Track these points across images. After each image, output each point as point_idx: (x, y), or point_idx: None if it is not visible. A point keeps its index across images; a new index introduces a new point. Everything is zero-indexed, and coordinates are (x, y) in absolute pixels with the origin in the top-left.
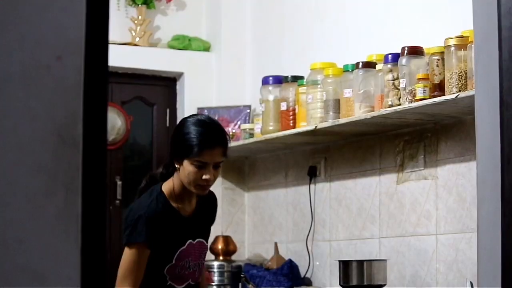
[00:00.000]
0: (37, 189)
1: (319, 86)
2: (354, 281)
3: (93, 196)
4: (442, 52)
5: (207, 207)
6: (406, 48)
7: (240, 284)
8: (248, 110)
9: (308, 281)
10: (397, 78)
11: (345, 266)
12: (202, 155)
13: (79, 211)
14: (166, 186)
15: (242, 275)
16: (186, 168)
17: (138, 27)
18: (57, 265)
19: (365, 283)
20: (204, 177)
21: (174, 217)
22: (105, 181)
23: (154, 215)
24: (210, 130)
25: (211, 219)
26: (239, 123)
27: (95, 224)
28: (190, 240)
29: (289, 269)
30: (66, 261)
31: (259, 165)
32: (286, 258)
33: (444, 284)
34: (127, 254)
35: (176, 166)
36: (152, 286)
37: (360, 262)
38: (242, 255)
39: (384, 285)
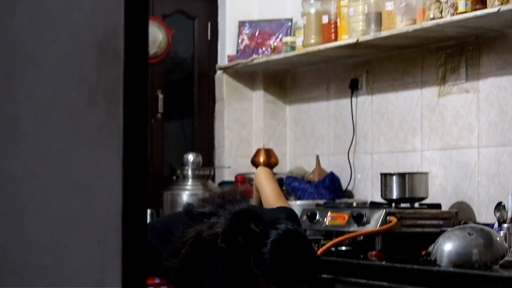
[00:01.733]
0: (79, 101)
1: None
2: (396, 194)
3: (134, 108)
4: None
5: None
6: None
7: None
8: (290, 23)
9: (349, 194)
10: None
11: (386, 179)
12: None
13: (120, 122)
14: None
15: (283, 188)
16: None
17: None
18: (98, 176)
19: (406, 196)
20: None
21: None
22: (147, 93)
23: None
24: (308, 265)
25: None
26: (280, 36)
27: (136, 136)
28: None
29: (331, 181)
30: (108, 172)
31: (301, 78)
32: (328, 171)
33: (486, 197)
34: None
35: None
36: None
37: (402, 175)
38: (284, 168)
39: (426, 197)
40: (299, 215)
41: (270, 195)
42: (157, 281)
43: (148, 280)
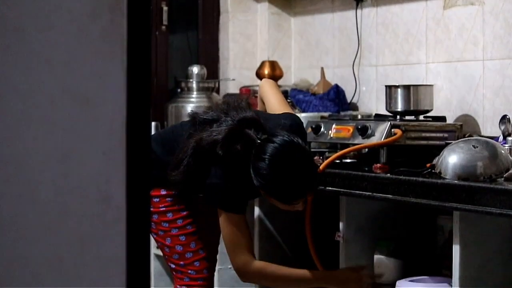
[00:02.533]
0: (82, 11)
1: None
2: (400, 107)
3: (138, 18)
4: None
5: None
6: None
7: None
8: None
9: (354, 106)
10: None
11: (391, 91)
12: (293, 203)
13: (124, 33)
14: None
15: (288, 100)
16: (274, 201)
17: None
18: (102, 88)
19: (411, 108)
20: (295, 209)
21: None
22: (150, 3)
23: None
24: (306, 178)
25: None
26: None
27: (140, 47)
28: None
29: (336, 94)
30: (112, 83)
31: None
32: (333, 83)
33: (491, 110)
34: (228, 222)
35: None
36: None
37: (407, 87)
38: (289, 80)
39: (430, 110)
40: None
41: (275, 103)
42: (163, 192)
43: (153, 192)
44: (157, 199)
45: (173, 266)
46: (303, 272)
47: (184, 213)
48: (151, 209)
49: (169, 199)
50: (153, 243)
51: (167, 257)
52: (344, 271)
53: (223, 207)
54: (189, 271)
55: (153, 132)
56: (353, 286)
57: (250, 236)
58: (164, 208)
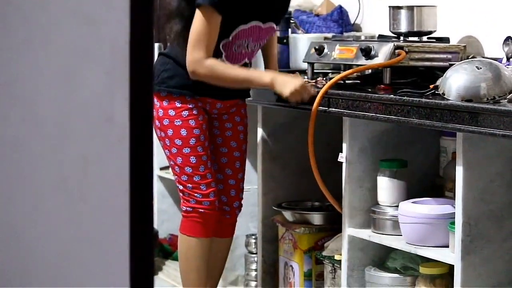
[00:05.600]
0: None
1: None
2: (404, 27)
3: None
4: None
5: None
6: None
7: (289, 29)
8: None
9: (357, 27)
10: None
11: (395, 12)
12: None
13: None
14: None
15: (292, 21)
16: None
17: None
18: (106, 8)
19: (415, 29)
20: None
21: None
22: None
23: None
24: None
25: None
26: None
27: None
28: (258, 21)
29: (339, 15)
30: (115, 2)
31: None
32: (336, 4)
33: (494, 32)
34: (200, 18)
35: None
36: None
37: (410, 8)
38: (292, 1)
39: (434, 31)
40: (307, 49)
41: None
42: (177, 104)
43: (169, 104)
44: (173, 112)
45: (180, 187)
46: (250, 73)
47: (198, 132)
48: (166, 123)
49: (185, 112)
50: (156, 163)
51: (176, 177)
52: (289, 76)
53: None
54: (196, 194)
55: (156, 53)
56: (294, 87)
57: (215, 39)
58: (179, 123)
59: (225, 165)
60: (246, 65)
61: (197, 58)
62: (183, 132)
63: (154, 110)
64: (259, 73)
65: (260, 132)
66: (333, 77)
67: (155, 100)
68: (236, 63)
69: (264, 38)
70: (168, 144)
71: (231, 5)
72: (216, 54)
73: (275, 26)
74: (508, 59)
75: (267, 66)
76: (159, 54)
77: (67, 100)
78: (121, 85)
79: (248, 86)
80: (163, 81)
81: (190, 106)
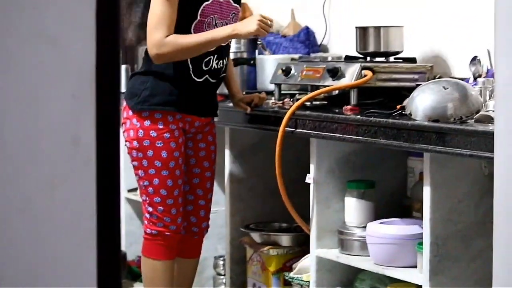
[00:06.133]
0: None
1: None
2: (371, 48)
3: None
4: None
5: None
6: None
7: (256, 51)
8: None
9: (324, 48)
10: None
11: (361, 32)
12: None
13: None
14: None
15: (258, 42)
16: None
17: None
18: (71, 28)
19: (381, 50)
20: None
21: None
22: None
23: None
24: None
25: None
26: None
27: None
28: None
29: (306, 35)
30: (81, 24)
31: None
32: (303, 25)
33: (461, 51)
34: (157, 2)
35: None
36: None
37: (377, 28)
38: None
39: (401, 51)
40: (274, 69)
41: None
42: (160, 126)
43: (151, 125)
44: (155, 134)
45: (150, 209)
46: (211, 32)
47: (177, 155)
48: (147, 144)
49: (166, 134)
50: (124, 185)
51: (148, 198)
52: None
53: None
54: (165, 218)
55: (123, 75)
56: (255, 21)
57: (174, 20)
58: (161, 145)
59: (196, 185)
60: (222, 51)
61: (158, 39)
62: (164, 154)
63: (132, 130)
64: (219, 29)
65: (227, 153)
66: (300, 98)
67: (135, 120)
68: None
69: (228, 15)
70: (146, 165)
71: None
72: None
73: (232, 2)
74: (475, 78)
75: (230, 88)
76: (134, 74)
77: (33, 122)
78: (87, 107)
79: (215, 44)
80: (145, 100)
81: (172, 127)
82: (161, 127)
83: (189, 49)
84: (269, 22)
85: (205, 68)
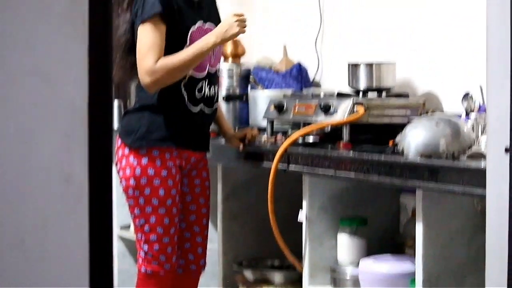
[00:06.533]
0: None
1: None
2: (363, 84)
3: None
4: None
5: None
6: None
7: (249, 86)
8: None
9: (317, 84)
10: None
11: (354, 68)
12: None
13: (86, 11)
14: None
15: (251, 78)
16: None
17: None
18: (63, 66)
19: (374, 86)
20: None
21: None
22: None
23: None
24: None
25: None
26: None
27: (102, 26)
28: (201, 21)
29: (298, 71)
30: (73, 61)
31: None
32: (295, 61)
33: (453, 87)
34: (144, 32)
35: None
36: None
37: (369, 65)
38: (251, 58)
39: (393, 87)
40: (266, 105)
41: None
42: (158, 164)
43: (148, 163)
44: (152, 172)
45: (145, 247)
46: (196, 46)
47: (174, 193)
48: (144, 182)
49: (164, 172)
50: (116, 222)
51: (143, 236)
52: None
53: (140, 20)
54: (160, 256)
55: (115, 111)
56: (230, 26)
57: (163, 48)
58: (158, 183)
59: (193, 222)
60: (212, 75)
61: (149, 66)
62: (161, 192)
63: (129, 168)
64: (202, 40)
65: (220, 190)
66: (292, 134)
67: (132, 158)
68: (201, 72)
69: None
70: (142, 203)
71: (172, 10)
72: None
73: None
74: (467, 114)
75: (220, 125)
76: (127, 112)
77: (26, 161)
78: (80, 145)
79: (203, 56)
80: (143, 137)
81: (170, 165)
82: (158, 164)
83: (180, 67)
84: (244, 18)
85: (198, 96)
